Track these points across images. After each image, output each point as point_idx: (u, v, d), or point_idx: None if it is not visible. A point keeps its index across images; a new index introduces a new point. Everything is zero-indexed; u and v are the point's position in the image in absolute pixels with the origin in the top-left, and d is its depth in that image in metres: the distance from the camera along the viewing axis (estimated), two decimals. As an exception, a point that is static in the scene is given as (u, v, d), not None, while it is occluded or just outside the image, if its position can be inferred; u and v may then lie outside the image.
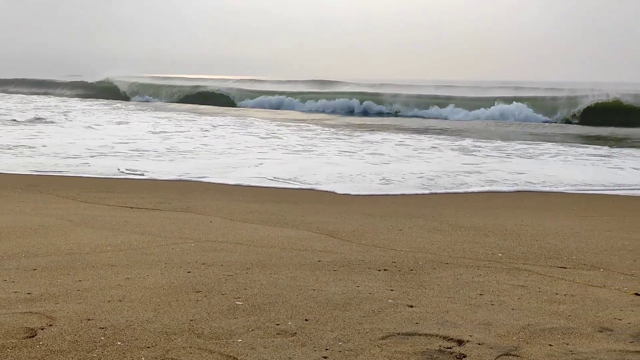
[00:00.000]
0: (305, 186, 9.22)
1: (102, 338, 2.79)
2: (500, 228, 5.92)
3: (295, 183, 9.51)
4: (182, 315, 3.13)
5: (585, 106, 26.89)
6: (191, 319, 3.08)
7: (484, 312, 3.26)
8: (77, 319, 3.03)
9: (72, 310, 3.15)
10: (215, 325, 3.00)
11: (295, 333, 2.92)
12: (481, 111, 28.55)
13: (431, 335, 2.93)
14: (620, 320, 3.16)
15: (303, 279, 3.87)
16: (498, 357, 2.67)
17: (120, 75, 48.15)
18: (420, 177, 10.25)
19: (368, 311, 3.26)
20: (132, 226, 5.62)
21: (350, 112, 32.67)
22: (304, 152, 13.88)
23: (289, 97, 36.66)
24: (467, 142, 17.14)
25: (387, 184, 9.58)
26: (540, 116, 26.72)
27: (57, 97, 42.65)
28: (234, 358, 2.63)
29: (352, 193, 8.69)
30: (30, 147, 13.24)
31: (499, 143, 16.98)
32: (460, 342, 2.83)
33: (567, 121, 26.39)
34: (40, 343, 2.72)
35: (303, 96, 36.47)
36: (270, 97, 37.48)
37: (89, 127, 19.24)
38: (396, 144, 16.09)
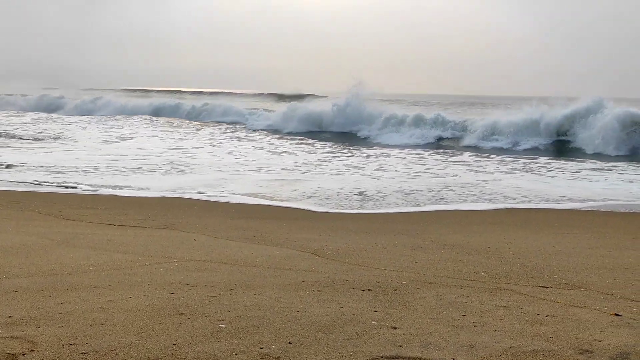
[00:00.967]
0: (286, 204, 9.22)
1: (84, 364, 2.77)
2: (484, 246, 5.96)
3: (275, 200, 9.52)
4: (165, 339, 3.12)
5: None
6: (174, 342, 3.07)
7: (467, 334, 3.28)
8: (59, 343, 3.01)
9: (54, 335, 3.12)
10: (199, 349, 2.99)
11: (279, 357, 2.92)
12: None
13: (414, 358, 2.94)
14: (600, 342, 3.19)
15: (287, 300, 3.86)
16: (480, 380, 2.68)
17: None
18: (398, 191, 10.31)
19: (352, 333, 3.26)
20: (115, 245, 5.58)
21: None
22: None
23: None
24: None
25: (366, 200, 9.62)
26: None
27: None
28: (217, 384, 2.62)
29: (334, 211, 8.70)
30: None
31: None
32: (443, 366, 2.84)
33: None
34: (21, 369, 2.69)
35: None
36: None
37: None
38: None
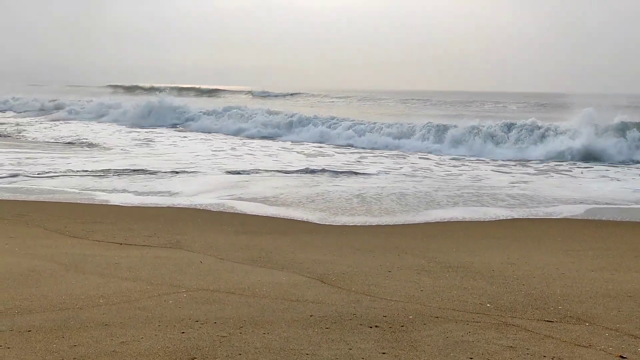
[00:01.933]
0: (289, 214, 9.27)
1: (101, 423, 2.83)
2: (487, 268, 6.02)
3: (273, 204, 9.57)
4: (179, 390, 3.17)
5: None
6: (188, 395, 3.12)
7: (474, 382, 3.34)
8: (75, 398, 3.06)
9: (70, 387, 3.18)
10: (213, 404, 3.04)
11: (291, 412, 2.97)
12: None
13: (424, 412, 3.00)
14: (606, 391, 3.25)
15: (296, 341, 3.92)
16: None
17: None
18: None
19: (362, 382, 3.32)
20: (122, 270, 5.64)
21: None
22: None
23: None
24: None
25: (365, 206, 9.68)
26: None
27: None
28: None
29: (337, 223, 8.76)
30: None
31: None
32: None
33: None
34: None
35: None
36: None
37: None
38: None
